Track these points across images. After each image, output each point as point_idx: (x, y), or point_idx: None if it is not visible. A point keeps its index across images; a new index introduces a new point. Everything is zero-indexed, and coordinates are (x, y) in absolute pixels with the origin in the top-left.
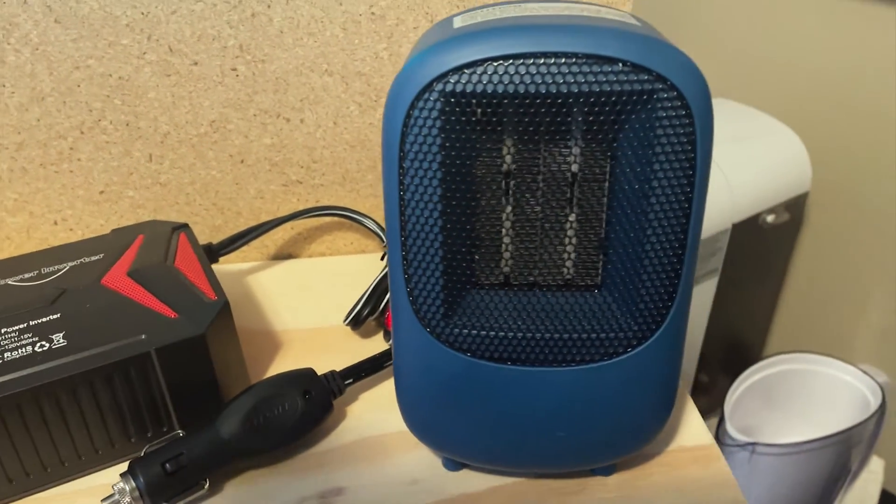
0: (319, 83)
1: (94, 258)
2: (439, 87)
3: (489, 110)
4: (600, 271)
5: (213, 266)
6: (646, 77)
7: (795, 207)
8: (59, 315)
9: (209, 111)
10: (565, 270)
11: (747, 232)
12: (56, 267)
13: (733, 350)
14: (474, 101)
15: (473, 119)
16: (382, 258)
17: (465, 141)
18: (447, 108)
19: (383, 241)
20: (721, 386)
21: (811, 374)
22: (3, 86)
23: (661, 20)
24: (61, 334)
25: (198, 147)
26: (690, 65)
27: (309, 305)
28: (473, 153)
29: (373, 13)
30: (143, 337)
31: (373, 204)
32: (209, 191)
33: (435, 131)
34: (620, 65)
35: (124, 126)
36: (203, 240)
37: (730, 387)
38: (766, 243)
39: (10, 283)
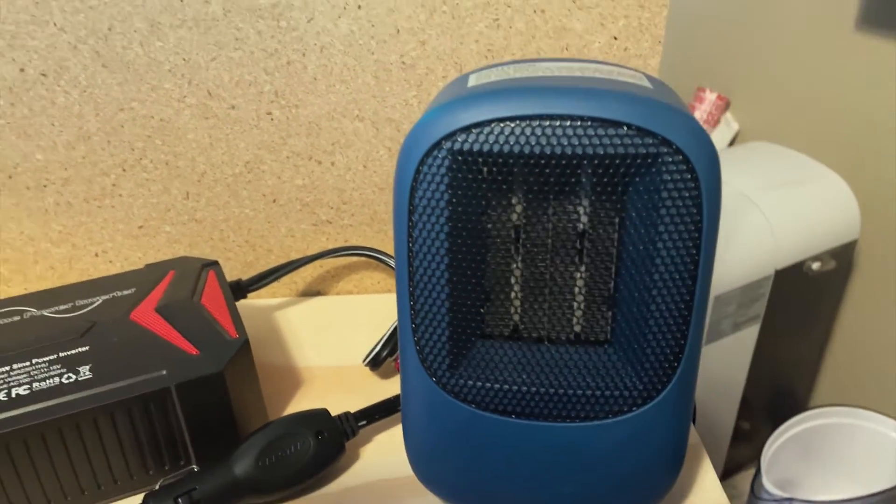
0: (351, 128)
1: (125, 292)
2: (448, 144)
3: (496, 169)
4: (609, 327)
5: (242, 301)
6: (651, 140)
7: (843, 255)
8: (87, 347)
9: (244, 152)
10: (574, 325)
11: (792, 279)
12: (89, 300)
13: (777, 397)
14: (481, 159)
15: (481, 177)
16: None
17: (474, 197)
18: (455, 166)
19: None
20: (763, 434)
21: (855, 428)
22: (53, 125)
23: (705, 64)
24: (88, 367)
25: (232, 186)
26: (697, 128)
27: (331, 343)
28: (481, 208)
29: (403, 62)
30: (164, 372)
31: None
32: (242, 228)
33: (443, 187)
34: (626, 128)
35: (164, 165)
36: (234, 275)
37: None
38: (812, 291)
39: (45, 314)
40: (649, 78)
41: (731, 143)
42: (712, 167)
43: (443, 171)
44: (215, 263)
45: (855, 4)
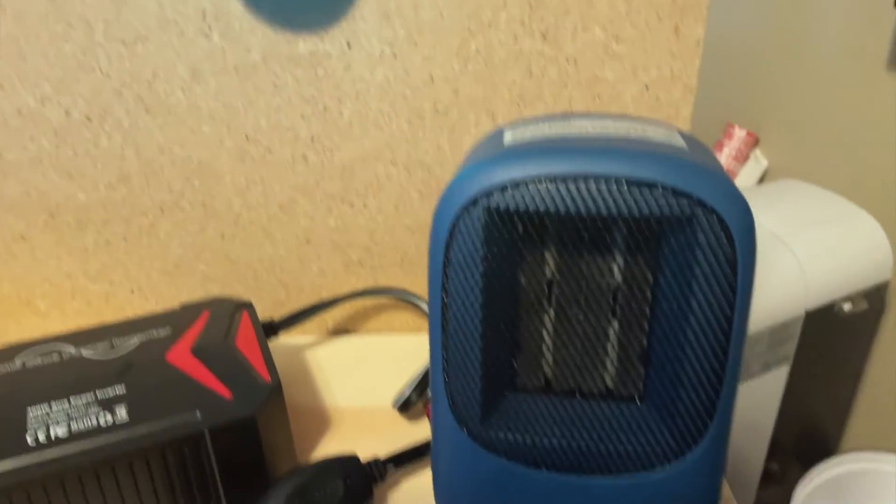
0: (384, 172)
1: (161, 332)
2: (484, 202)
3: (531, 226)
4: (642, 382)
5: (274, 340)
6: (686, 202)
7: (875, 296)
8: (124, 388)
9: (279, 194)
10: (606, 380)
11: (822, 320)
12: (126, 339)
13: (807, 439)
14: (517, 217)
15: (516, 234)
16: None
17: (508, 252)
18: (491, 223)
19: None
20: (793, 476)
21: (888, 475)
22: (95, 166)
23: (734, 101)
24: (124, 408)
25: (267, 227)
26: (731, 189)
27: (360, 383)
28: (516, 263)
29: (437, 109)
30: (198, 415)
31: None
32: (275, 267)
33: (479, 243)
34: (660, 189)
35: (201, 206)
36: (266, 313)
37: (801, 478)
38: (843, 332)
39: (83, 353)
40: (682, 134)
41: (761, 180)
42: (747, 227)
43: (478, 227)
44: (249, 304)
45: (887, 42)
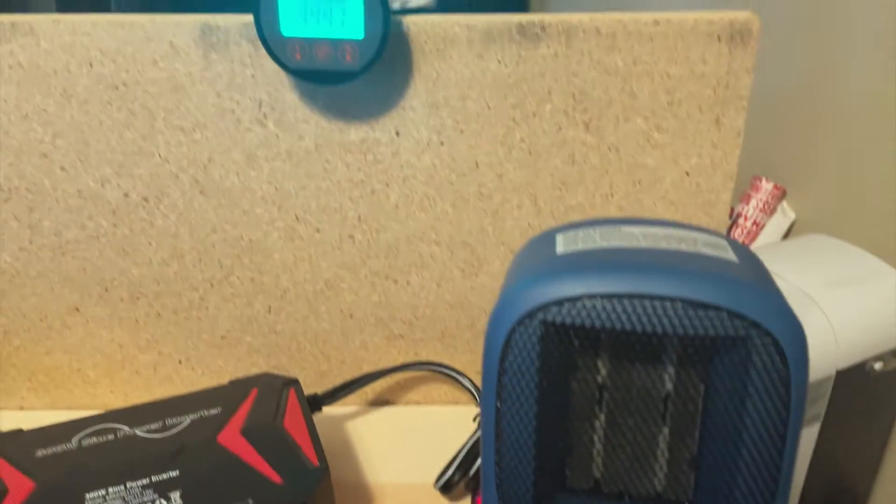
0: (427, 251)
1: (212, 412)
2: (540, 315)
3: (586, 341)
4: (692, 488)
5: (318, 414)
6: (740, 323)
7: None
8: (178, 472)
9: (326, 271)
10: (656, 483)
11: (853, 378)
12: (178, 419)
13: (837, 497)
14: (572, 332)
15: (571, 347)
16: (475, 419)
17: (562, 363)
18: (546, 336)
19: (476, 398)
20: None
21: None
22: (150, 244)
23: (761, 153)
24: (178, 493)
25: (312, 302)
26: (786, 310)
27: (402, 458)
28: (569, 372)
29: (481, 193)
30: (250, 502)
31: (468, 360)
32: (318, 340)
33: (534, 355)
34: (715, 311)
35: (249, 281)
36: (308, 382)
37: None
38: (874, 390)
39: (137, 433)
40: (732, 245)
41: (788, 233)
42: (800, 348)
43: (534, 340)
44: (295, 382)
45: None
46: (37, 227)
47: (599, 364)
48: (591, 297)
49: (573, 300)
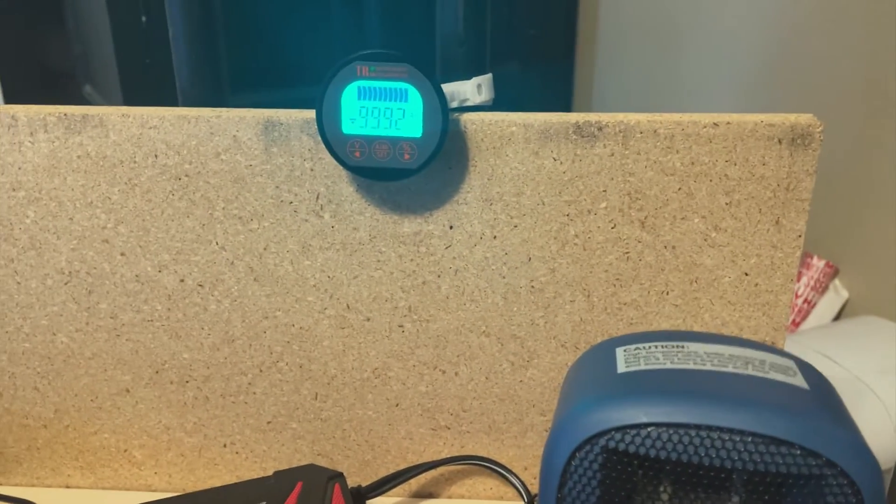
0: (476, 342)
1: None
2: (602, 442)
3: (651, 472)
4: None
5: None
6: (814, 462)
7: None
8: None
9: (374, 360)
10: None
11: None
12: None
13: None
14: (636, 461)
15: (634, 477)
16: None
17: (623, 489)
18: (608, 463)
19: (523, 496)
20: None
21: None
22: (202, 329)
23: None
24: None
25: (359, 390)
26: (862, 448)
27: None
28: (630, 499)
29: (532, 286)
30: None
31: (515, 454)
32: (364, 428)
33: (595, 482)
34: (788, 447)
35: (298, 367)
36: (351, 472)
37: None
38: None
39: None
40: (801, 368)
41: (840, 311)
42: (877, 488)
43: (595, 466)
44: (340, 476)
45: None
46: (94, 309)
47: (661, 491)
48: (658, 426)
49: (638, 428)
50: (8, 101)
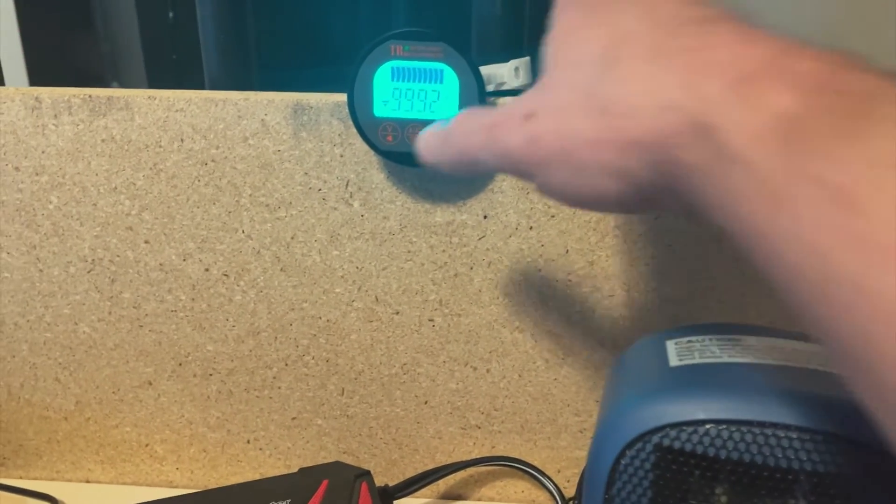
0: (510, 338)
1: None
2: (655, 439)
3: (708, 473)
4: None
5: None
6: (880, 460)
7: None
8: None
9: (403, 355)
10: None
11: None
12: None
13: None
14: (692, 461)
15: (690, 477)
16: None
17: (677, 490)
18: (662, 462)
19: (556, 501)
20: None
21: None
22: (227, 320)
23: None
24: None
25: (387, 386)
26: None
27: None
28: (684, 500)
29: (569, 280)
30: None
31: (548, 455)
32: (391, 426)
33: (646, 483)
34: (860, 449)
35: (324, 362)
36: (378, 471)
37: None
38: None
39: None
40: None
41: None
42: None
43: (647, 466)
44: (367, 474)
45: None
46: (117, 298)
47: (718, 494)
48: (717, 422)
49: (695, 424)
50: None
